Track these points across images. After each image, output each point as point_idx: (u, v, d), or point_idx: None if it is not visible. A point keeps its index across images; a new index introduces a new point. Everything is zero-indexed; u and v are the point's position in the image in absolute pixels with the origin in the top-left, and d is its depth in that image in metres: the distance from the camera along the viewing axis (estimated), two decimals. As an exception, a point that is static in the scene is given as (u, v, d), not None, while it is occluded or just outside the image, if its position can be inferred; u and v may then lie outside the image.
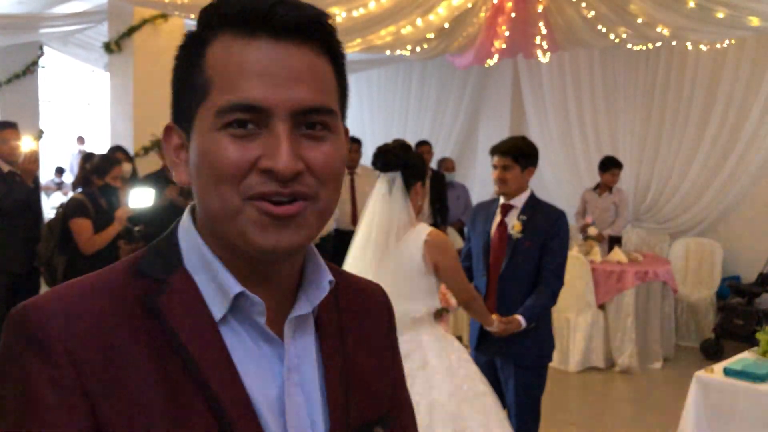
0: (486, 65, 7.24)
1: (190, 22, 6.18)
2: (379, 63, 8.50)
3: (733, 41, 6.55)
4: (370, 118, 10.18)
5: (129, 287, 0.80)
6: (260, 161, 0.78)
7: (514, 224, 3.30)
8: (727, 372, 3.21)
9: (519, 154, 3.30)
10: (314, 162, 0.80)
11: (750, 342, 5.87)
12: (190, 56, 0.82)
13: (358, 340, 0.95)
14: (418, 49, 6.31)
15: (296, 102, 0.79)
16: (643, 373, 5.87)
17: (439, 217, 7.35)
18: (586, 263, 5.91)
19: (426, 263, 2.81)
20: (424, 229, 2.85)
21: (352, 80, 7.24)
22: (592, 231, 6.30)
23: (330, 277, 0.89)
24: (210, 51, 0.80)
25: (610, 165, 6.48)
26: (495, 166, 3.34)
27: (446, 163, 8.06)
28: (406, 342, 2.77)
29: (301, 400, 0.85)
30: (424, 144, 7.47)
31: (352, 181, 7.03)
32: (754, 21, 5.11)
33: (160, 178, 5.15)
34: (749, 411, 3.08)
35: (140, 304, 0.79)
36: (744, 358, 3.45)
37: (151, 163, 5.84)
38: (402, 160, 2.85)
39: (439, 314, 3.13)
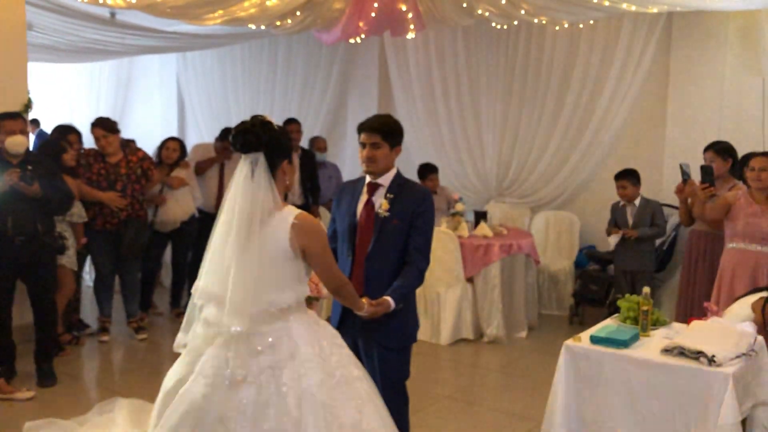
0: (353, 42, 7.16)
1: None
2: (243, 37, 8.19)
3: (591, 22, 6.87)
4: (235, 97, 9.84)
5: None
6: None
7: (381, 203, 3.24)
8: (593, 339, 3.37)
9: (389, 132, 3.23)
10: None
11: (603, 305, 6.30)
12: None
13: None
14: (282, 23, 6.10)
15: None
16: (510, 342, 6.11)
17: (311, 197, 7.26)
18: (455, 238, 6.04)
19: (293, 248, 2.67)
20: (291, 212, 2.71)
21: (214, 55, 6.92)
22: (459, 207, 6.45)
23: None
24: None
25: (426, 172, 6.89)
26: (363, 144, 3.24)
27: (318, 143, 7.94)
28: (274, 331, 2.66)
29: None
30: (292, 122, 7.31)
31: (222, 166, 6.82)
32: (606, 2, 5.33)
33: None
34: (614, 376, 3.25)
35: None
36: (608, 325, 3.63)
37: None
38: (264, 139, 2.66)
39: (309, 302, 3.04)
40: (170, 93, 10.75)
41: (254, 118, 2.75)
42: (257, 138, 2.66)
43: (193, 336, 2.78)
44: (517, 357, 5.84)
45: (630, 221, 6.03)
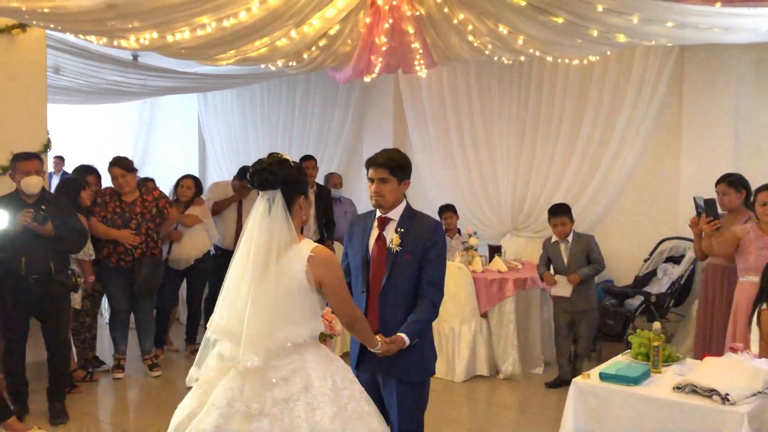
0: (366, 80, 7.24)
1: (52, 33, 5.80)
2: (260, 77, 8.34)
3: (598, 58, 6.89)
4: (254, 135, 9.97)
5: None
6: None
7: (392, 238, 3.24)
8: (602, 377, 3.30)
9: (396, 167, 3.25)
10: None
11: (620, 341, 6.19)
12: None
13: None
14: (295, 63, 6.20)
15: None
16: (525, 378, 6.01)
17: (326, 232, 7.29)
18: (468, 273, 6.00)
19: (309, 281, 2.70)
20: (308, 245, 2.75)
21: (234, 95, 7.08)
22: (473, 241, 6.42)
23: None
24: None
25: (441, 210, 6.92)
26: (371, 179, 3.27)
27: (333, 179, 8.00)
28: (288, 364, 2.67)
29: None
30: (308, 159, 7.39)
31: (240, 204, 6.90)
32: (621, 37, 5.36)
33: (13, 201, 4.77)
34: (624, 414, 3.17)
35: None
36: (618, 361, 3.56)
37: (11, 185, 5.39)
38: (280, 176, 2.72)
39: (323, 339, 3.04)
40: (192, 132, 10.93)
41: (270, 156, 2.81)
42: (273, 176, 2.71)
43: (205, 369, 2.79)
44: (534, 394, 5.73)
45: (565, 259, 5.75)
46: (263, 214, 2.71)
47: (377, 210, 3.33)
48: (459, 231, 7.02)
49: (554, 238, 5.86)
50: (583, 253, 5.74)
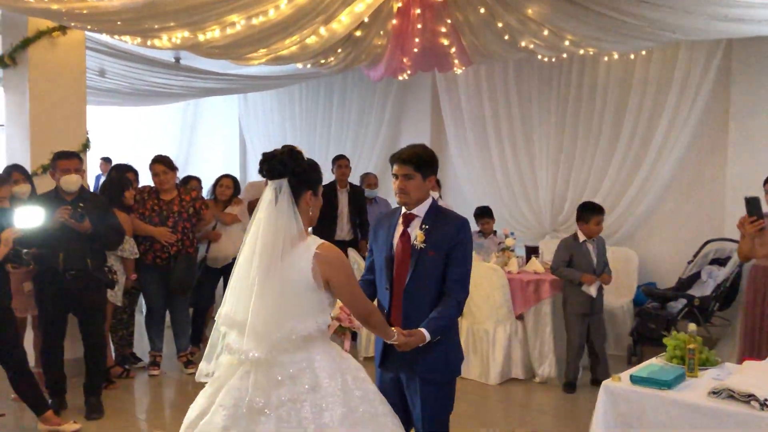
0: (401, 78, 7.19)
1: (91, 35, 5.92)
2: (298, 78, 8.38)
3: (643, 52, 6.71)
4: (293, 136, 10.04)
5: None
6: None
7: (417, 234, 3.19)
8: (633, 379, 3.18)
9: (420, 162, 3.19)
10: None
11: (662, 344, 5.99)
12: None
13: None
14: (326, 61, 6.19)
15: None
16: (562, 382, 5.86)
17: (360, 233, 7.26)
18: (503, 274, 5.88)
19: (316, 279, 2.65)
20: (314, 242, 2.70)
21: (274, 96, 7.13)
22: (510, 242, 6.31)
23: None
24: None
25: (478, 215, 6.88)
26: (395, 175, 3.22)
27: (368, 179, 7.97)
28: (296, 363, 2.63)
29: None
30: (341, 158, 7.38)
31: None
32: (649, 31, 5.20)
33: (52, 199, 4.87)
34: (657, 419, 3.04)
35: None
36: (651, 364, 3.43)
37: (52, 183, 5.53)
38: (288, 166, 2.68)
39: (342, 332, 3.00)
40: (233, 133, 11.08)
41: (283, 147, 2.78)
42: (282, 165, 2.68)
43: (217, 366, 2.77)
44: (571, 398, 5.59)
45: (594, 260, 5.58)
46: (270, 202, 2.68)
47: (403, 207, 3.28)
48: (495, 231, 6.92)
49: (582, 238, 5.68)
50: (604, 254, 5.70)
